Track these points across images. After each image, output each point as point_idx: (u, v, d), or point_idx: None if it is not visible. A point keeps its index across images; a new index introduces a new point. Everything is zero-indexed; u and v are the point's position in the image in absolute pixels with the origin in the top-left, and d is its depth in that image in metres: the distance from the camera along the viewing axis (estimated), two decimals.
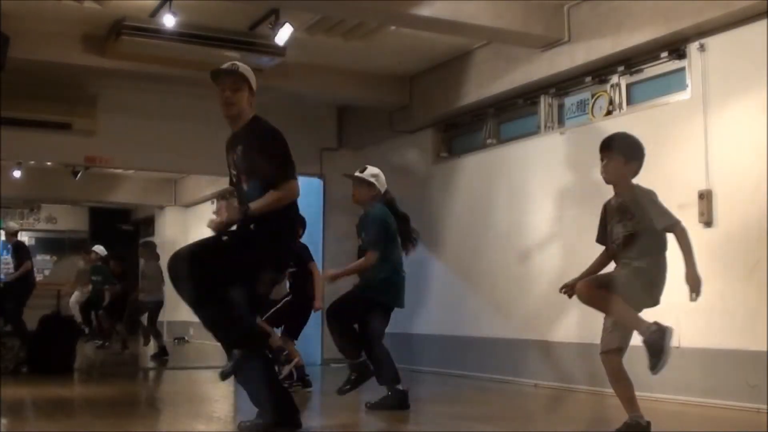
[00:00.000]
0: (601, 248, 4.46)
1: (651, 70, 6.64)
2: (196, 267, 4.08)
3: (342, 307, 5.51)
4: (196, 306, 4.18)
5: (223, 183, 12.62)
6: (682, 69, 6.32)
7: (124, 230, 17.45)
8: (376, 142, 9.54)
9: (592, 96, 7.18)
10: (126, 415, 5.80)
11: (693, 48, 6.14)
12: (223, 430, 5.16)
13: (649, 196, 4.18)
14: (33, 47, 7.53)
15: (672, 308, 5.85)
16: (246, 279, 4.23)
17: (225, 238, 4.26)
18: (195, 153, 9.61)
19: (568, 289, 4.44)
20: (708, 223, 5.88)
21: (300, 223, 6.26)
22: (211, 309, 4.15)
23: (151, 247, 11.74)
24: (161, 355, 10.90)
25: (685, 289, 5.54)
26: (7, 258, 12.59)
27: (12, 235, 11.96)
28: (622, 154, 4.27)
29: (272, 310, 6.92)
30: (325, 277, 5.76)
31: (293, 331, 6.94)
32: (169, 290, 15.15)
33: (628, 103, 6.85)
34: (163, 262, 14.72)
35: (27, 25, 7.35)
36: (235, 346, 4.24)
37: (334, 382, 6.14)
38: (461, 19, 6.67)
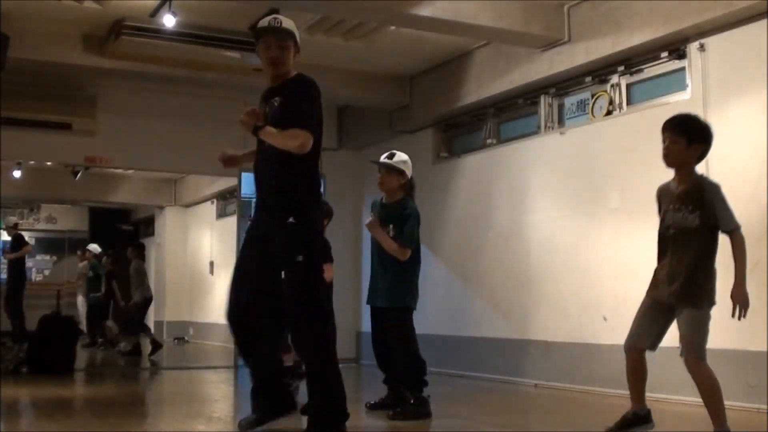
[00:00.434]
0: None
1: (651, 70, 6.65)
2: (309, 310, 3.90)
3: (404, 335, 5.28)
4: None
5: (224, 183, 12.68)
6: (682, 69, 6.32)
7: (124, 230, 17.45)
8: (376, 142, 9.54)
9: (592, 96, 7.18)
10: (126, 415, 5.79)
11: (693, 48, 6.14)
12: (223, 430, 5.15)
13: (716, 189, 3.91)
14: (33, 47, 7.53)
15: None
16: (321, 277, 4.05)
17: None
18: (195, 153, 9.61)
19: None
20: None
21: (326, 212, 5.87)
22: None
23: (139, 248, 11.87)
24: (155, 349, 10.95)
25: None
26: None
27: (12, 227, 12.01)
28: (685, 135, 3.95)
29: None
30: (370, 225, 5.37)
31: None
32: (166, 289, 15.16)
33: (628, 103, 6.86)
34: (163, 262, 14.81)
35: (27, 25, 7.36)
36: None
37: None
38: (461, 19, 6.67)
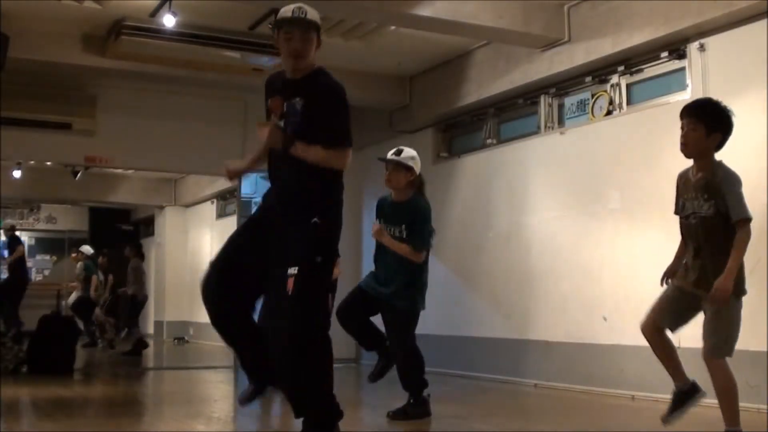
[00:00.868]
0: None
1: (651, 70, 6.65)
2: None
3: (409, 338, 5.24)
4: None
5: (224, 183, 12.68)
6: (682, 69, 6.32)
7: (124, 230, 17.45)
8: (376, 142, 9.53)
9: (592, 96, 7.18)
10: (126, 415, 5.80)
11: (693, 48, 6.14)
12: (223, 430, 5.15)
13: (732, 180, 3.78)
14: (33, 47, 7.53)
15: None
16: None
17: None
18: (195, 153, 9.61)
19: (670, 275, 4.02)
20: None
21: None
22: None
23: (138, 247, 11.95)
24: (141, 347, 10.97)
25: None
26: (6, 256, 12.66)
27: (8, 229, 12.05)
28: (703, 122, 3.78)
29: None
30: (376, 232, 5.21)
31: None
32: (166, 289, 15.18)
33: (628, 103, 6.86)
34: (163, 262, 14.81)
35: (27, 25, 7.36)
36: None
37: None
38: (461, 19, 6.67)
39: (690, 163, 3.97)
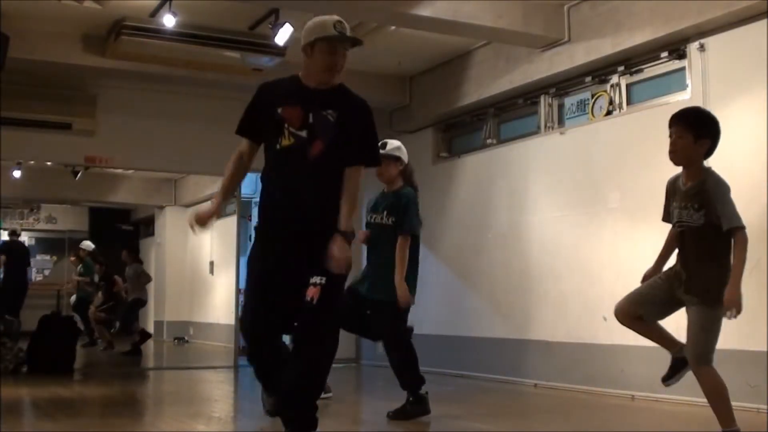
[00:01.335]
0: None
1: (651, 70, 6.65)
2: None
3: (393, 330, 5.23)
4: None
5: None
6: (682, 69, 6.32)
7: (124, 230, 17.45)
8: None
9: (592, 96, 7.18)
10: (126, 415, 5.80)
11: (693, 48, 6.14)
12: (223, 430, 5.15)
13: (723, 188, 3.78)
14: (33, 47, 7.54)
15: None
16: None
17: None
18: (195, 153, 9.61)
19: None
20: None
21: None
22: None
23: (134, 251, 12.01)
24: (145, 337, 10.98)
25: None
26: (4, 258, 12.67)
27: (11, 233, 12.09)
28: (691, 130, 3.78)
29: None
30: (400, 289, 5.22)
31: None
32: (166, 290, 15.19)
33: (628, 103, 6.86)
34: (163, 262, 14.81)
35: (27, 25, 7.36)
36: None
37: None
38: (461, 19, 6.67)
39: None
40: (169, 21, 6.89)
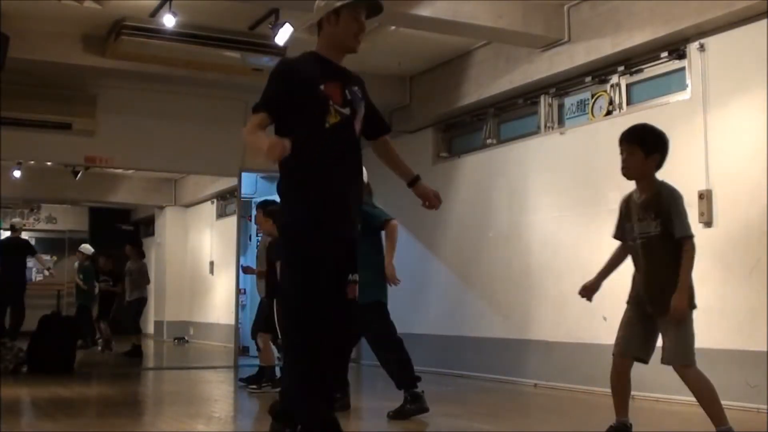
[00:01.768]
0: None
1: (651, 70, 6.65)
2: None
3: (377, 332, 5.36)
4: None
5: (224, 183, 12.68)
6: (682, 69, 6.32)
7: (124, 230, 17.45)
8: None
9: (592, 96, 7.18)
10: (126, 415, 5.80)
11: (693, 48, 6.14)
12: (223, 430, 5.15)
13: (676, 198, 3.94)
14: (33, 47, 7.54)
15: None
16: None
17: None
18: (195, 153, 9.61)
19: (588, 292, 4.26)
20: (708, 223, 5.88)
21: None
22: None
23: (138, 247, 11.83)
24: (134, 354, 10.93)
25: None
26: None
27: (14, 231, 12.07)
28: (641, 146, 3.97)
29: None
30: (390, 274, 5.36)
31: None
32: (166, 289, 15.16)
33: (628, 103, 6.86)
34: (163, 262, 14.81)
35: (27, 25, 7.36)
36: None
37: None
38: (461, 19, 6.67)
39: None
40: (169, 21, 6.89)
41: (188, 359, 12.05)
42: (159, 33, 7.18)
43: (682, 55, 6.29)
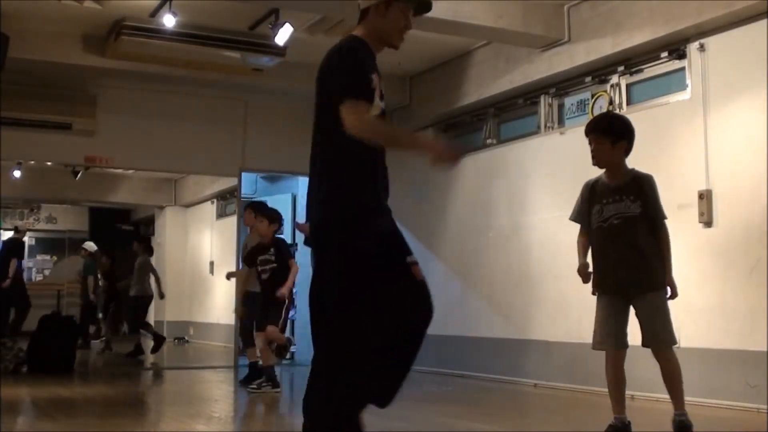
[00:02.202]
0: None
1: (651, 70, 6.65)
2: None
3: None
4: None
5: (224, 183, 12.67)
6: (682, 69, 6.32)
7: (124, 230, 17.44)
8: None
9: (592, 96, 7.18)
10: (126, 415, 5.80)
11: (693, 48, 6.14)
12: (223, 430, 5.15)
13: (653, 183, 4.17)
14: (33, 47, 7.54)
15: (672, 308, 5.84)
16: None
17: None
18: (195, 153, 9.61)
19: (585, 274, 4.25)
20: (708, 223, 5.89)
21: (278, 218, 7.07)
22: None
23: (146, 242, 11.73)
24: (136, 353, 10.92)
25: (684, 289, 5.52)
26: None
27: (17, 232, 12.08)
28: (606, 135, 4.18)
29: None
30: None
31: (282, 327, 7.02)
32: (166, 289, 15.18)
33: (628, 103, 6.85)
34: (163, 262, 14.84)
35: (27, 25, 7.36)
36: None
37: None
38: (461, 19, 6.67)
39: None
40: (169, 21, 6.89)
41: (188, 359, 12.04)
42: (159, 33, 7.18)
43: (682, 55, 6.29)
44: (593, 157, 4.19)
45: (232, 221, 11.18)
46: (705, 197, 5.89)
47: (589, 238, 4.22)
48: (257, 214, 7.09)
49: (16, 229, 12.58)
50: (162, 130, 9.42)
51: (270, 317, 6.75)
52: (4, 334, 9.81)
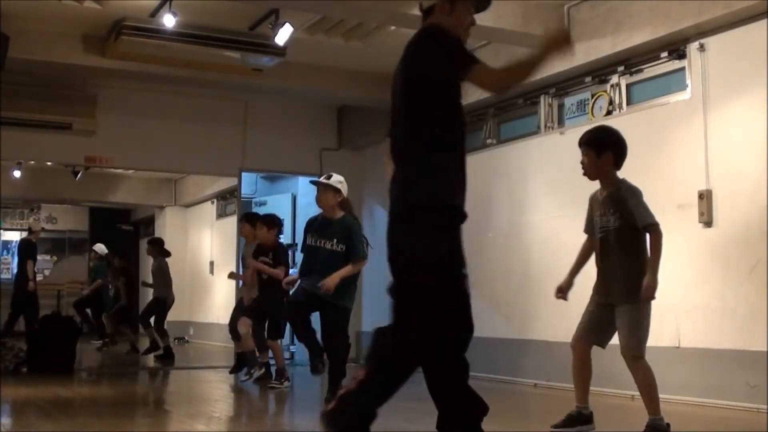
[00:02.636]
0: None
1: (651, 70, 6.64)
2: None
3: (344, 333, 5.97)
4: None
5: (224, 183, 12.68)
6: (682, 69, 6.32)
7: (124, 230, 17.45)
8: (376, 142, 9.53)
9: (592, 96, 7.18)
10: (126, 415, 5.80)
11: (693, 48, 6.14)
12: (223, 430, 5.15)
13: (634, 192, 4.20)
14: (33, 47, 7.54)
15: (672, 308, 5.86)
16: None
17: None
18: (195, 153, 9.62)
19: (563, 292, 4.56)
20: (708, 223, 5.88)
21: (277, 222, 7.39)
22: None
23: (160, 244, 11.40)
24: (151, 349, 10.89)
25: (684, 289, 5.56)
26: (7, 258, 12.60)
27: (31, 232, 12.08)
28: (592, 148, 4.27)
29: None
30: (326, 288, 5.69)
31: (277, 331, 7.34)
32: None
33: (628, 103, 6.85)
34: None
35: (27, 25, 7.36)
36: None
37: (313, 382, 6.17)
38: None
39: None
40: (169, 21, 6.89)
41: (188, 359, 12.04)
42: (159, 33, 7.18)
43: (682, 55, 6.29)
44: (582, 170, 4.32)
45: (232, 221, 11.18)
46: (705, 197, 5.89)
47: (592, 246, 4.40)
48: (257, 223, 7.41)
49: (29, 230, 12.55)
50: (162, 130, 9.42)
51: (267, 315, 7.19)
52: (4, 334, 9.80)
